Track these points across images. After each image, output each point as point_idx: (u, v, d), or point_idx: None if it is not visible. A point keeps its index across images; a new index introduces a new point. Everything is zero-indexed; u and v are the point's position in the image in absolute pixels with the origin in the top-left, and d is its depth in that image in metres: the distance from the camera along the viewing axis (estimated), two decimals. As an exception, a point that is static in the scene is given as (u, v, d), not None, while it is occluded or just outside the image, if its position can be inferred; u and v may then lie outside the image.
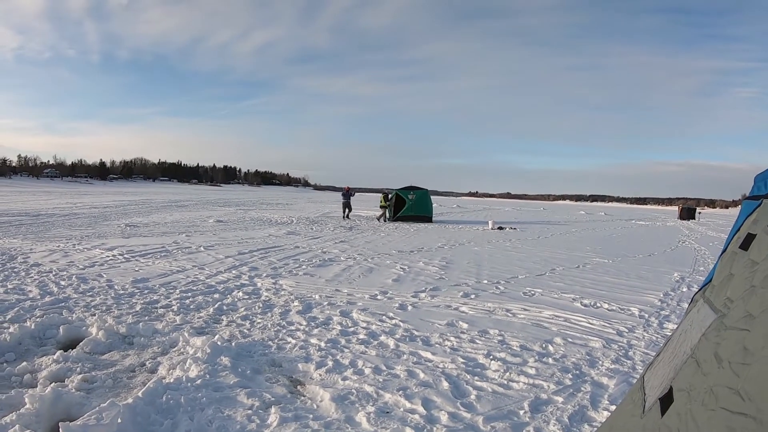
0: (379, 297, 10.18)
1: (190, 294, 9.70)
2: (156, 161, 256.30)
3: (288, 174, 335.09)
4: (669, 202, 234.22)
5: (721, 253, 2.01)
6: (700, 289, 2.10)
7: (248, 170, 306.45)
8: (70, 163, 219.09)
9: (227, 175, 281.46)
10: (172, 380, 5.47)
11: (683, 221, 59.33)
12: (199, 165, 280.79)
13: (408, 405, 5.22)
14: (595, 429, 4.74)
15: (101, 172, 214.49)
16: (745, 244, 1.76)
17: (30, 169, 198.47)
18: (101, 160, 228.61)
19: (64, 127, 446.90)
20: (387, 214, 35.09)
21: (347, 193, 36.45)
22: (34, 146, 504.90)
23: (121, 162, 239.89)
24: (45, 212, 28.72)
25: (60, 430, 4.08)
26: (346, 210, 35.91)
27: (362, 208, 47.69)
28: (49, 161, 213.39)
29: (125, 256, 13.98)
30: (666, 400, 1.80)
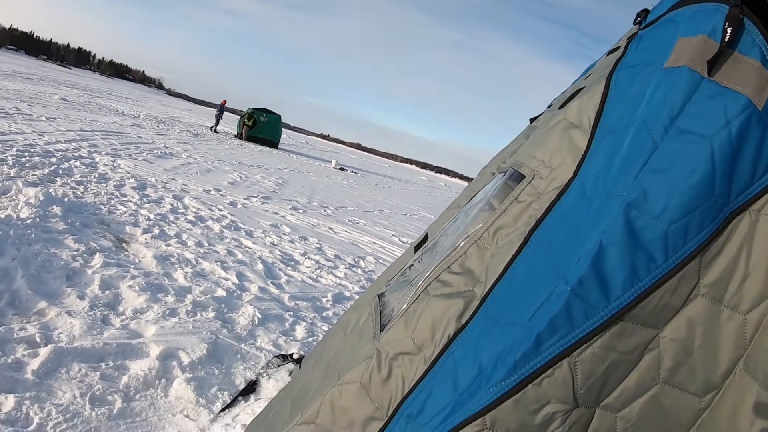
0: (212, 192, 10.35)
1: (26, 154, 9.33)
2: (7, 27, 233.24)
3: (144, 72, 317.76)
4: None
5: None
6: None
7: (103, 58, 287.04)
8: None
9: (80, 59, 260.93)
10: (2, 217, 5.45)
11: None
12: (53, 41, 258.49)
13: (223, 274, 5.60)
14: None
15: None
16: (533, 120, 2.36)
17: None
18: None
19: None
20: (244, 133, 34.67)
21: (222, 107, 36.61)
22: None
23: None
24: None
25: None
26: (217, 122, 35.53)
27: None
28: None
29: (-39, 111, 13.12)
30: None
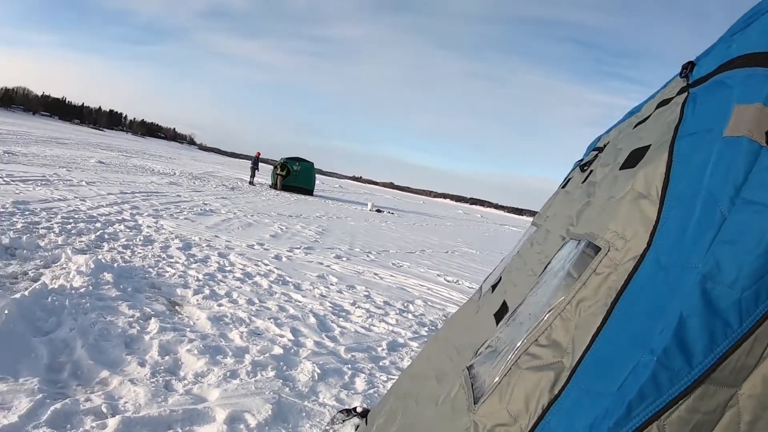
0: (256, 247, 10.51)
1: (71, 221, 9.63)
2: (40, 94, 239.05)
3: (174, 129, 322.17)
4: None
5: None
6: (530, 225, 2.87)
7: (134, 119, 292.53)
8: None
9: (112, 121, 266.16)
10: (56, 287, 5.60)
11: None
12: (84, 105, 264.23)
13: (278, 331, 5.69)
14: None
15: None
16: (565, 184, 2.48)
17: None
18: None
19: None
20: (279, 183, 35.06)
21: (256, 159, 37.03)
22: None
23: (2, 89, 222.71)
24: None
25: None
26: (253, 174, 36.02)
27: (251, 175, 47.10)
28: None
29: (4, 179, 13.50)
30: (496, 284, 2.39)
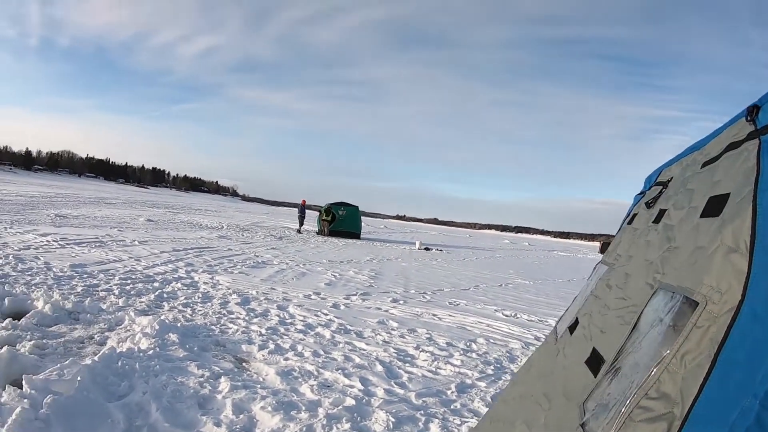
0: (312, 297, 10.62)
1: (129, 281, 9.92)
2: (84, 156, 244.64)
3: (217, 182, 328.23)
4: (592, 237, 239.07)
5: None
6: (599, 262, 2.90)
7: (177, 174, 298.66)
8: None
9: (155, 178, 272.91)
10: (124, 350, 5.77)
11: (603, 254, 61.54)
12: (128, 164, 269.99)
13: (347, 381, 5.74)
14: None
15: (26, 162, 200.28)
16: (631, 221, 2.54)
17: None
18: (27, 148, 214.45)
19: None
20: (325, 229, 35.35)
21: (303, 208, 37.40)
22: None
23: (47, 153, 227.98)
24: (-32, 194, 28.10)
25: (23, 382, 4.33)
26: (301, 222, 36.46)
27: (294, 222, 47.62)
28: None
29: (59, 242, 13.99)
30: (573, 326, 2.43)
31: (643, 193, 2.77)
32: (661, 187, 2.37)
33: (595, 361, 1.88)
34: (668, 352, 1.37)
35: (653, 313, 1.62)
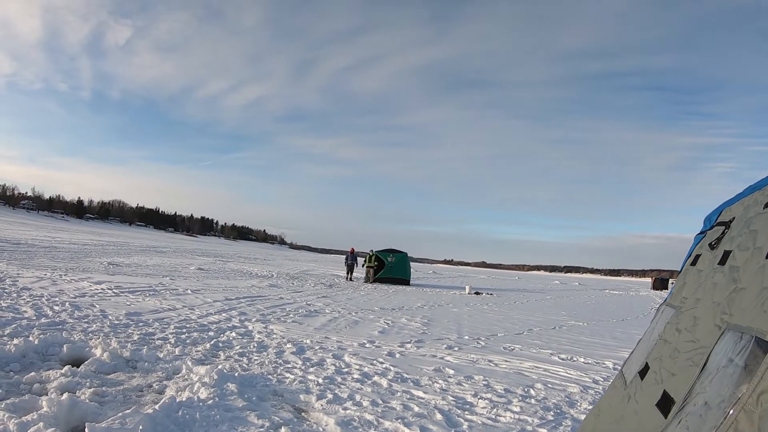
0: (367, 345, 10.63)
1: (184, 330, 10.09)
2: (134, 205, 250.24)
3: (265, 230, 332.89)
4: (643, 273, 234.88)
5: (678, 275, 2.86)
6: (662, 303, 2.89)
7: (225, 223, 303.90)
8: (48, 197, 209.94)
9: (204, 226, 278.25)
10: (184, 399, 5.84)
11: (656, 291, 60.31)
12: (177, 213, 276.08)
13: (407, 431, 5.71)
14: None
15: (78, 210, 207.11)
16: (694, 262, 2.54)
17: (7, 198, 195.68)
18: (79, 197, 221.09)
19: (46, 160, 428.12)
20: (371, 275, 35.40)
21: (352, 255, 37.20)
22: (14, 175, 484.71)
23: (99, 202, 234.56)
24: (24, 242, 29.03)
25: (86, 430, 4.43)
26: (351, 270, 36.39)
27: (342, 269, 47.75)
28: (27, 192, 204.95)
29: (114, 290, 14.34)
30: (643, 371, 2.44)
31: (703, 233, 2.78)
32: (723, 228, 2.39)
33: (665, 403, 1.89)
34: (744, 392, 1.39)
35: (722, 354, 1.64)
